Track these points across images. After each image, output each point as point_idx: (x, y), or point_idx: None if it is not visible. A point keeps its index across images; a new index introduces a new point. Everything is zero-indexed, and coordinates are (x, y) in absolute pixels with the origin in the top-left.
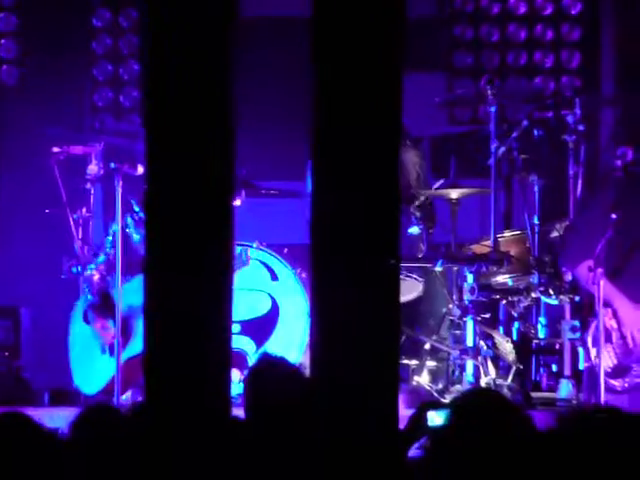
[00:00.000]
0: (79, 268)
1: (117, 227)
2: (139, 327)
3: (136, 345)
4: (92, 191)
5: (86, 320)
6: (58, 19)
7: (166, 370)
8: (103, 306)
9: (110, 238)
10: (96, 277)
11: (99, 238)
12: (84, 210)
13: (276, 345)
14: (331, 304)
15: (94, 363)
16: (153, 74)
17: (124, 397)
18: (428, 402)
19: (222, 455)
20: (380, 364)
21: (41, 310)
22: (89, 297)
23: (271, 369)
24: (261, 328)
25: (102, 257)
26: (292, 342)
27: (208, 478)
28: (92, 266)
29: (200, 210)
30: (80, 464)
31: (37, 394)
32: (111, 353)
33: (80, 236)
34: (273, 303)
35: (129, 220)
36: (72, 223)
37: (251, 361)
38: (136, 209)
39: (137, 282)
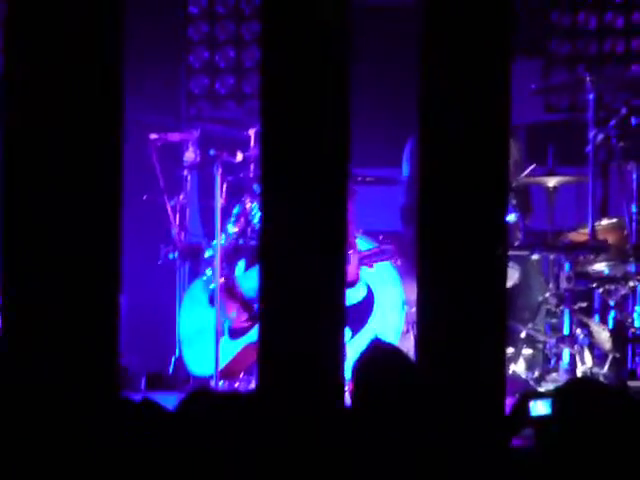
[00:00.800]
0: (176, 254)
1: (217, 213)
2: None
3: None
4: (189, 178)
5: (212, 303)
6: (154, 6)
7: (279, 354)
8: (231, 290)
9: (231, 225)
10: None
11: (195, 225)
12: (181, 197)
13: (371, 333)
14: (438, 291)
15: (209, 345)
16: (268, 62)
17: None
18: (531, 392)
19: (329, 443)
20: (487, 350)
21: (138, 296)
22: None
23: (384, 356)
24: (356, 316)
25: (224, 240)
26: (387, 330)
27: (313, 464)
28: (210, 251)
29: (315, 196)
30: (185, 446)
31: (134, 379)
32: (233, 336)
33: (177, 222)
34: (368, 291)
35: (254, 205)
36: (169, 210)
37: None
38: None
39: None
